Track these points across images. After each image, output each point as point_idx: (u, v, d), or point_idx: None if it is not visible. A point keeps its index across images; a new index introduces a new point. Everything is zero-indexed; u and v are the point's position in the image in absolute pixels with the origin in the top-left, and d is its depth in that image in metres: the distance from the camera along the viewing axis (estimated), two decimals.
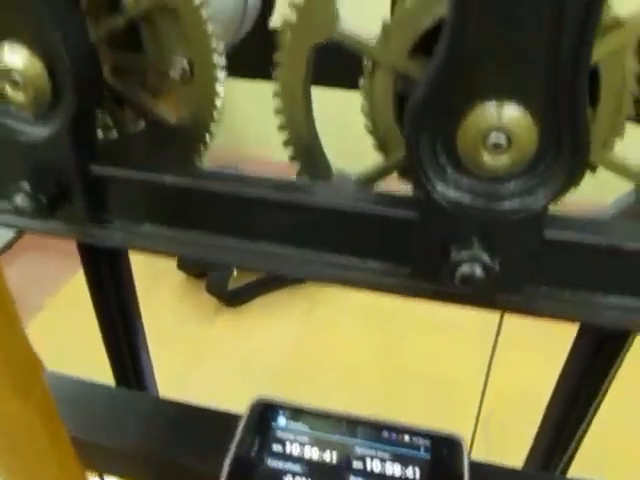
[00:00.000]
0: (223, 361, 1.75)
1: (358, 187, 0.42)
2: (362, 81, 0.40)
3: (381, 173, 0.42)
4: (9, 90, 0.39)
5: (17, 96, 0.40)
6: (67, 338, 1.67)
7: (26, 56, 0.38)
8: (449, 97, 0.33)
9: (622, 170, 0.40)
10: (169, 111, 0.44)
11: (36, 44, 0.38)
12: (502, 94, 0.33)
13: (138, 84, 0.45)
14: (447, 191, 0.36)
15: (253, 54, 0.61)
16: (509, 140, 0.34)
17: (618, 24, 0.35)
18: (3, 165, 0.42)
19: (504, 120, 0.33)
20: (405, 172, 0.42)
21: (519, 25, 0.31)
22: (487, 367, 1.62)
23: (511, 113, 0.33)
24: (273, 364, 1.73)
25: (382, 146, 0.42)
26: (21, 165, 0.41)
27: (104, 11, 0.42)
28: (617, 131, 0.39)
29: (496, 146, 0.34)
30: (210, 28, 0.40)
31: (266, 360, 1.74)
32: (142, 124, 0.47)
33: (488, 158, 0.35)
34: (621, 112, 0.38)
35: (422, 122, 0.35)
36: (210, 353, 1.78)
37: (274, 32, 0.68)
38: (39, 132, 0.40)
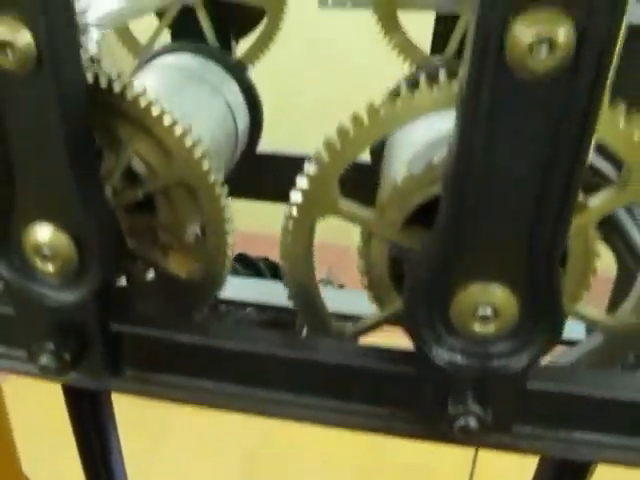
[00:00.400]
0: (190, 445, 1.70)
1: (356, 338, 0.46)
2: (359, 243, 0.45)
3: (377, 324, 0.47)
4: (38, 262, 0.43)
5: (45, 267, 0.43)
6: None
7: (54, 232, 0.42)
8: (443, 280, 0.38)
9: (588, 319, 0.46)
10: (180, 265, 0.48)
11: (64, 221, 0.42)
12: (487, 277, 0.38)
13: (150, 241, 0.48)
14: (442, 353, 0.41)
15: (242, 177, 0.66)
16: (495, 312, 0.39)
17: (583, 207, 0.41)
18: (27, 325, 0.45)
19: (490, 297, 0.38)
20: (399, 322, 0.46)
21: (502, 224, 0.36)
22: (472, 462, 1.64)
23: (495, 291, 0.38)
24: (245, 448, 1.69)
25: (377, 299, 0.47)
26: (45, 326, 0.44)
27: (123, 184, 0.46)
28: (584, 286, 0.45)
29: (484, 318, 0.39)
30: (224, 202, 0.44)
31: (238, 443, 1.71)
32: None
33: (478, 326, 0.40)
34: (587, 271, 0.44)
35: (421, 298, 0.39)
36: (176, 436, 1.74)
37: (260, 157, 0.73)
38: (64, 297, 0.44)
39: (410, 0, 0.59)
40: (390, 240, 0.43)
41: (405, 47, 0.61)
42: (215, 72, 0.62)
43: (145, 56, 0.63)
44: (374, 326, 0.47)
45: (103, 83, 0.42)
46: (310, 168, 0.42)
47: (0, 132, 0.40)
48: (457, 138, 0.35)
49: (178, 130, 0.42)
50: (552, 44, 0.31)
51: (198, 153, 0.43)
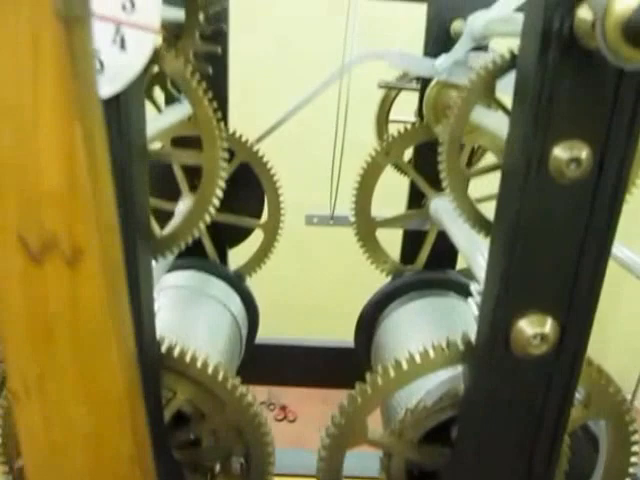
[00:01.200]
0: None
1: None
2: (380, 460, 0.54)
3: None
4: None
5: None
6: None
7: None
8: None
9: None
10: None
11: None
12: None
13: (193, 468, 0.54)
14: None
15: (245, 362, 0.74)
16: None
17: None
18: None
19: None
20: None
21: (504, 459, 0.47)
22: None
23: None
24: None
25: None
26: None
27: (172, 423, 0.52)
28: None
29: None
30: (269, 438, 0.52)
31: None
32: None
33: None
34: (561, 469, 0.55)
35: None
36: None
37: (258, 346, 0.81)
38: None
39: (387, 221, 0.70)
40: (407, 458, 0.52)
41: (382, 260, 0.72)
42: (219, 287, 0.70)
43: None
44: None
45: (163, 348, 0.49)
46: (345, 404, 0.50)
47: None
48: (467, 394, 0.46)
49: (229, 384, 0.50)
50: (543, 337, 0.43)
51: (247, 400, 0.51)
